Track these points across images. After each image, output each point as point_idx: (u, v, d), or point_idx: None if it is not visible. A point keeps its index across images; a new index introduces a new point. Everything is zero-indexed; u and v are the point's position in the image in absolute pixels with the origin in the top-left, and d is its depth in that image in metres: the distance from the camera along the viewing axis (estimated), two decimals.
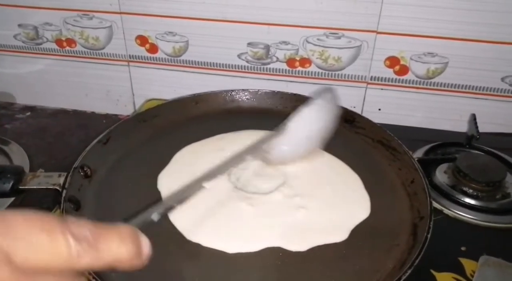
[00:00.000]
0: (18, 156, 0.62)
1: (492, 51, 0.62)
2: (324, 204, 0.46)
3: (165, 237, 0.42)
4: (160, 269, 0.39)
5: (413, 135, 0.65)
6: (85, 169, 0.48)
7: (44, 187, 0.46)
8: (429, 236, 0.39)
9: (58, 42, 0.75)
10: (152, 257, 0.38)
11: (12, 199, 0.53)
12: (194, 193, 0.35)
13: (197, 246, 0.41)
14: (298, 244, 0.41)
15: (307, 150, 0.49)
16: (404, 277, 0.35)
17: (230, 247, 0.41)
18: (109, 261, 0.21)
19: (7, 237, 0.19)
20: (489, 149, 0.60)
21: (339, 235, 0.42)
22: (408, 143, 0.53)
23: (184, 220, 0.44)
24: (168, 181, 0.49)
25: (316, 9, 0.63)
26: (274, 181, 0.48)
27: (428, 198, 0.43)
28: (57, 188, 0.45)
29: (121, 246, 0.21)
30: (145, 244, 0.23)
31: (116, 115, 0.78)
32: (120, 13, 0.69)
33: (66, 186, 0.44)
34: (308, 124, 0.47)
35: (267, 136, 0.46)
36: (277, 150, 0.46)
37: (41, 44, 0.75)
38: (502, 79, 0.64)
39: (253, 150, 0.43)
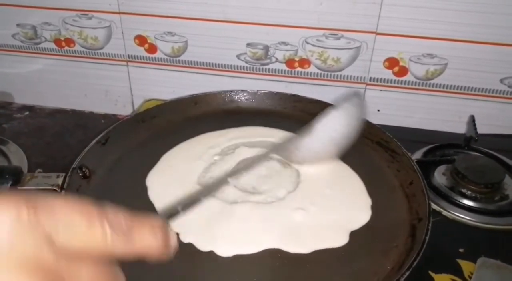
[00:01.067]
0: (16, 156, 0.62)
1: (491, 53, 0.62)
2: (325, 207, 0.45)
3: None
4: (156, 270, 0.39)
5: (412, 137, 0.65)
6: (83, 169, 0.48)
7: (43, 187, 0.46)
8: (427, 238, 0.39)
9: (57, 42, 0.74)
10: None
11: None
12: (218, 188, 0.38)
13: (192, 247, 0.41)
14: (297, 247, 0.41)
15: (329, 154, 0.49)
16: (402, 279, 0.35)
17: (227, 249, 0.40)
18: (139, 251, 0.22)
19: (50, 218, 0.19)
20: (488, 150, 0.60)
21: (339, 239, 0.42)
22: (407, 144, 0.53)
23: (180, 220, 0.43)
24: (156, 180, 0.49)
25: (315, 10, 0.63)
26: (275, 182, 0.48)
27: (427, 200, 0.43)
28: (56, 188, 0.45)
29: (152, 237, 0.22)
30: (173, 237, 0.24)
31: (114, 115, 0.78)
32: (119, 13, 0.69)
33: (65, 186, 0.44)
34: (334, 128, 0.47)
35: (293, 136, 0.47)
36: (301, 150, 0.47)
37: (39, 43, 0.75)
38: (501, 81, 0.64)
39: (279, 148, 0.45)
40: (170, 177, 0.49)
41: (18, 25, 0.74)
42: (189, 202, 0.32)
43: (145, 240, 0.22)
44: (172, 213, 0.30)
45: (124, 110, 0.79)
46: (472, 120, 0.62)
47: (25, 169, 0.58)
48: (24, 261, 0.18)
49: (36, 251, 0.19)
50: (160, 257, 0.23)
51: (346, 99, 0.48)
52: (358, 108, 0.48)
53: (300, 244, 0.41)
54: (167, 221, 0.26)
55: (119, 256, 0.21)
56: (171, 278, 0.38)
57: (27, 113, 0.78)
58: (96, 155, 0.50)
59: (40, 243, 0.19)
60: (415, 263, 0.37)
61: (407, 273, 0.36)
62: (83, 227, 0.20)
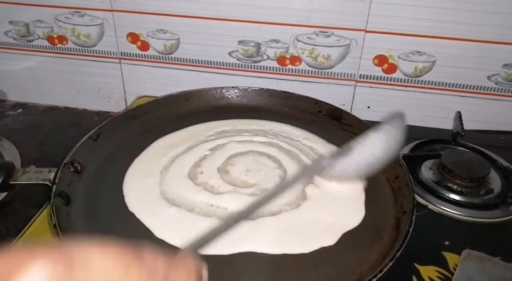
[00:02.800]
0: (10, 153, 0.62)
1: (478, 50, 0.63)
2: (317, 205, 0.45)
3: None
4: None
5: None
6: (75, 164, 0.49)
7: (35, 182, 0.47)
8: (411, 229, 0.40)
9: (50, 39, 0.75)
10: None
11: (4, 194, 0.53)
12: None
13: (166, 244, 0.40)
14: (284, 247, 0.41)
15: (360, 175, 0.47)
16: (385, 269, 0.36)
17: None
18: None
19: (86, 274, 0.19)
20: (474, 145, 0.61)
21: (330, 239, 0.42)
22: None
23: (155, 215, 0.43)
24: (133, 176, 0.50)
25: (306, 8, 0.64)
26: (265, 177, 0.48)
27: (411, 193, 0.44)
28: (48, 183, 0.46)
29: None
30: (205, 277, 0.24)
31: (107, 112, 0.78)
32: (112, 10, 0.70)
33: (56, 181, 0.45)
34: (372, 152, 0.44)
35: (333, 153, 0.46)
36: (336, 170, 0.45)
37: (32, 41, 0.75)
38: (488, 78, 0.65)
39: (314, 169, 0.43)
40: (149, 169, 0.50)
41: (10, 22, 0.74)
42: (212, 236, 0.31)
43: None
44: (200, 245, 0.29)
45: (117, 107, 0.79)
46: (458, 116, 0.63)
47: (18, 166, 0.59)
48: None
49: None
50: None
51: (389, 120, 0.45)
52: (399, 130, 0.45)
53: (289, 246, 0.41)
54: (200, 259, 0.25)
55: None
56: None
57: (20, 110, 0.78)
58: (88, 151, 0.51)
59: None
60: (398, 254, 0.37)
61: (390, 264, 0.37)
62: (120, 278, 0.19)
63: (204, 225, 0.42)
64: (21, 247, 0.19)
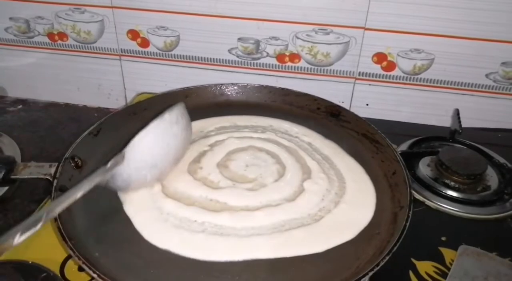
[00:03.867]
0: (10, 149, 0.63)
1: (477, 48, 0.63)
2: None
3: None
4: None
5: (399, 130, 0.67)
6: (75, 159, 0.49)
7: (35, 176, 0.47)
8: (407, 224, 0.40)
9: (50, 35, 0.75)
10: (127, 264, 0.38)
11: (5, 189, 0.54)
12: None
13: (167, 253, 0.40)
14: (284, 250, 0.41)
15: (156, 173, 0.43)
16: (382, 263, 0.36)
17: (211, 254, 0.40)
18: None
19: None
20: (471, 143, 0.61)
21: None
22: (394, 137, 0.54)
23: (154, 222, 0.43)
24: None
25: (305, 5, 0.64)
26: (264, 172, 0.49)
27: (408, 189, 0.44)
28: (49, 178, 0.46)
29: None
30: None
31: (107, 108, 0.78)
32: (112, 7, 0.70)
33: (57, 176, 0.45)
34: (148, 149, 0.42)
35: (108, 165, 0.41)
36: (119, 178, 0.41)
37: (32, 37, 0.76)
38: (487, 76, 0.66)
39: (96, 178, 0.40)
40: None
41: (11, 18, 0.74)
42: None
43: None
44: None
45: (117, 103, 0.79)
46: (456, 113, 0.63)
47: (18, 161, 0.59)
48: None
49: None
50: None
51: (160, 114, 0.43)
52: (174, 121, 0.43)
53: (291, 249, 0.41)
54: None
55: None
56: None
57: (20, 106, 0.78)
58: (88, 146, 0.51)
59: None
60: (395, 248, 0.38)
61: (387, 258, 0.37)
62: None
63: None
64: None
